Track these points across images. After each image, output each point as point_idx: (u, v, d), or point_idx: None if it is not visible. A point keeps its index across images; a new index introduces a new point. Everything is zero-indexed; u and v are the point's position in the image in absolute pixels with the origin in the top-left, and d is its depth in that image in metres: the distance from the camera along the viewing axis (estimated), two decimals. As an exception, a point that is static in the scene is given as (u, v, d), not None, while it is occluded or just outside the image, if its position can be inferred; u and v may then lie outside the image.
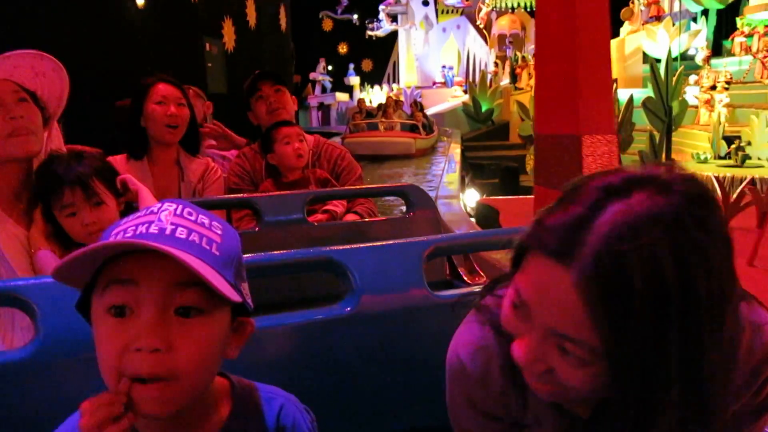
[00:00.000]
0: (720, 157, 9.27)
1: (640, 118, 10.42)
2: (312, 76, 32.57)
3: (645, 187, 0.69)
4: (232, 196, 2.47)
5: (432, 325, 1.32)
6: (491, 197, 9.15)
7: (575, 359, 0.72)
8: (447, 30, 30.33)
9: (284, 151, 2.51)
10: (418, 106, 18.51)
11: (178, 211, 0.78)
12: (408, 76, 31.06)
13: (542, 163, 3.34)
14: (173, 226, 0.75)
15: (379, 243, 1.37)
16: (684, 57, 14.10)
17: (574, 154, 2.98)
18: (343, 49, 35.21)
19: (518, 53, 20.59)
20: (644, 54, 15.03)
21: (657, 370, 0.68)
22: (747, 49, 13.67)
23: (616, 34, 17.13)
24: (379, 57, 33.64)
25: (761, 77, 12.62)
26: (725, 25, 16.72)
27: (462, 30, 29.37)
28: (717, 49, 16.20)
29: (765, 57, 12.68)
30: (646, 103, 10.06)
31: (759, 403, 0.85)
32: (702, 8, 15.68)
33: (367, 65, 35.04)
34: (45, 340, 1.08)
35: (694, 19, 16.48)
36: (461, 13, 29.88)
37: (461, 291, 1.45)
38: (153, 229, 0.74)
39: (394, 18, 31.22)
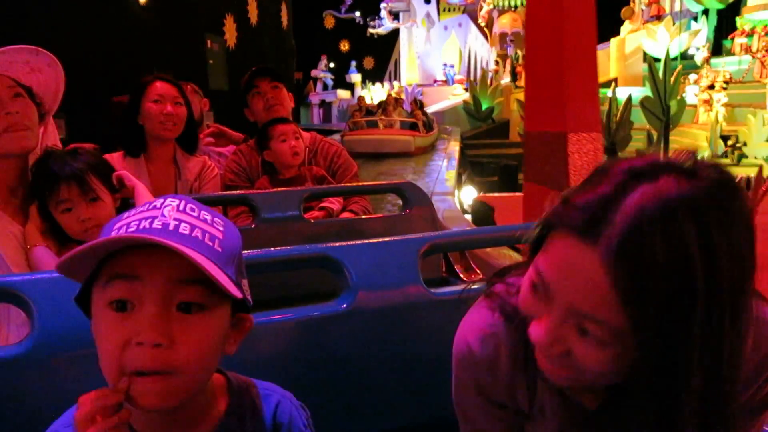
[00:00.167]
0: (717, 156, 9.29)
1: (639, 117, 10.43)
2: (314, 73, 32.59)
3: (672, 171, 0.70)
4: (228, 192, 2.46)
5: (428, 322, 1.32)
6: (487, 194, 9.16)
7: (594, 340, 0.72)
8: (448, 28, 30.29)
9: (280, 149, 2.51)
10: (418, 104, 18.49)
11: (181, 207, 0.78)
12: (409, 74, 31.05)
13: (531, 160, 3.42)
14: (177, 222, 0.76)
15: (375, 240, 1.37)
16: (684, 56, 14.11)
17: (560, 151, 3.06)
18: (344, 46, 35.22)
19: (519, 52, 20.59)
20: (644, 53, 15.03)
21: (679, 350, 0.68)
22: (747, 49, 13.67)
23: (616, 33, 17.14)
24: (381, 54, 33.65)
25: (760, 77, 12.63)
26: (726, 25, 16.72)
27: (463, 28, 29.33)
28: (717, 49, 16.20)
29: (764, 57, 12.68)
30: (643, 102, 10.07)
31: (759, 401, 0.84)
32: (702, 8, 15.68)
33: (368, 63, 35.06)
34: (40, 336, 1.07)
35: (695, 19, 16.48)
36: (463, 11, 29.85)
37: (457, 288, 1.45)
38: (156, 224, 0.75)
39: (395, 16, 31.21)
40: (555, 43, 3.08)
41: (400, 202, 2.45)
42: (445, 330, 1.24)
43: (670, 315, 0.67)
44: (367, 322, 1.28)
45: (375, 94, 28.41)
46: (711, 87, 11.59)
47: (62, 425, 0.82)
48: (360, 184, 2.69)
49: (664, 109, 9.80)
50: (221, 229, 0.79)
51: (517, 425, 0.94)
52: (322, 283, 1.47)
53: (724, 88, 11.60)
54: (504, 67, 22.55)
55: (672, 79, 10.04)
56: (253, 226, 2.16)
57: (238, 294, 0.77)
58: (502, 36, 24.58)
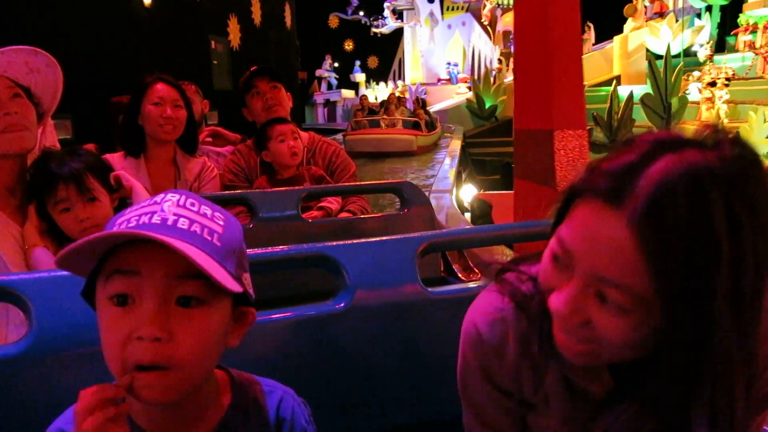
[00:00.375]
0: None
1: (641, 115, 10.40)
2: (318, 72, 32.63)
3: (696, 144, 0.71)
4: (227, 192, 2.46)
5: (426, 322, 1.32)
6: (486, 192, 9.18)
7: (615, 308, 0.72)
8: (452, 27, 30.26)
9: (279, 149, 2.52)
10: (420, 103, 18.48)
11: (181, 202, 0.78)
12: (413, 73, 31.05)
13: (520, 157, 3.49)
14: (175, 217, 0.76)
15: (372, 239, 1.37)
16: (687, 53, 14.07)
17: (546, 147, 3.10)
18: (349, 45, 35.25)
19: (522, 50, 20.51)
20: (647, 50, 14.99)
21: (702, 316, 0.68)
22: (751, 45, 13.63)
23: (619, 30, 17.11)
24: (385, 54, 33.67)
25: (762, 73, 12.59)
26: (729, 22, 16.67)
27: (467, 27, 29.30)
28: (721, 46, 16.15)
29: (767, 53, 12.64)
30: (644, 100, 10.04)
31: (764, 395, 0.83)
32: (706, 4, 15.63)
33: (372, 62, 35.08)
34: (39, 335, 1.08)
35: (698, 16, 16.43)
36: (466, 10, 29.84)
37: (455, 287, 1.45)
38: (155, 219, 0.75)
39: (399, 15, 31.20)
40: (541, 40, 3.15)
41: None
42: (442, 329, 1.25)
43: (694, 278, 0.67)
44: (364, 321, 1.28)
45: (379, 93, 28.42)
46: (713, 84, 11.56)
47: (64, 422, 0.82)
48: (358, 183, 2.69)
49: (665, 107, 9.78)
50: (221, 223, 0.80)
51: (520, 416, 0.94)
52: (320, 282, 1.47)
53: (726, 85, 11.56)
54: (507, 65, 22.51)
55: (673, 76, 10.01)
56: (251, 225, 2.16)
57: (235, 288, 0.77)
58: (506, 34, 24.57)
